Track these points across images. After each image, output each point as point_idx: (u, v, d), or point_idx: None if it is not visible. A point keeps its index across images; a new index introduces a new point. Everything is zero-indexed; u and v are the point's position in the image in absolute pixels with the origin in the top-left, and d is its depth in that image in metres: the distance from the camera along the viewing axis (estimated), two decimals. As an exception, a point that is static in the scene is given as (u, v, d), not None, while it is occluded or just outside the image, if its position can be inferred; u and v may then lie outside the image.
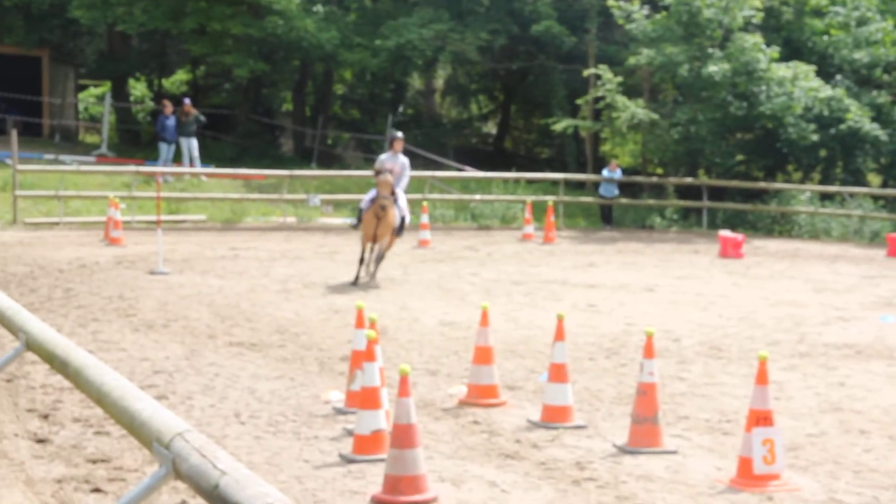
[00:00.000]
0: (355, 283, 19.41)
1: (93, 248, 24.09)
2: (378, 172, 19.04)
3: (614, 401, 11.42)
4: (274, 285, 19.24)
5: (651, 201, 35.09)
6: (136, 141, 43.47)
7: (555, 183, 35.15)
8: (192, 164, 33.61)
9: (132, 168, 31.00)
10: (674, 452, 9.51)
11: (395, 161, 19.87)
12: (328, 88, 46.07)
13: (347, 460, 9.01)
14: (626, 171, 36.32)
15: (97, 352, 12.83)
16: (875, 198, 33.30)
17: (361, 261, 19.50)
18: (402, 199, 19.78)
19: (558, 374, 10.36)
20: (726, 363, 13.54)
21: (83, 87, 50.44)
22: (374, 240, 19.29)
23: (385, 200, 18.87)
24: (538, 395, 11.27)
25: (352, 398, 10.33)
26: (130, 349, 13.47)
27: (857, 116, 33.93)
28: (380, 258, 19.52)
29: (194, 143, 33.84)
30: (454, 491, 8.39)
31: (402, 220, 19.65)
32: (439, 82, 52.45)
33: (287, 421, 10.32)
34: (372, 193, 19.49)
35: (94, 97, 50.80)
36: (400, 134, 20.37)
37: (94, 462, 8.87)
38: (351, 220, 19.89)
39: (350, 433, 9.53)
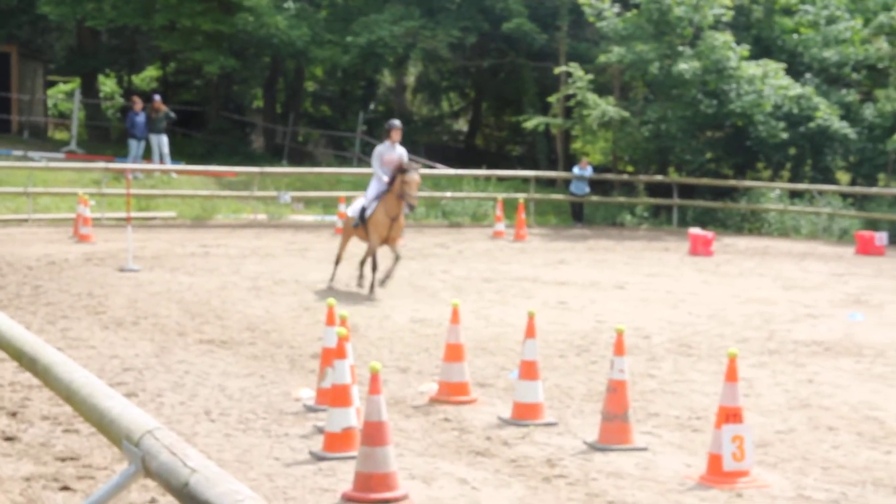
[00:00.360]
0: (372, 289, 17.96)
1: (62, 244, 23.97)
2: (404, 170, 17.54)
3: (585, 398, 11.44)
4: (244, 283, 19.19)
5: (622, 199, 35.17)
6: (105, 137, 43.28)
7: (526, 180, 35.18)
8: (162, 160, 33.49)
9: (102, 165, 30.87)
10: (644, 449, 9.53)
11: (393, 152, 18.18)
12: (299, 85, 45.98)
13: (318, 458, 9.00)
14: (596, 169, 36.40)
15: (66, 349, 12.77)
16: (844, 195, 33.49)
17: (367, 263, 18.32)
18: None
19: (529, 371, 10.37)
20: (696, 360, 13.58)
21: (52, 84, 50.18)
22: (386, 243, 18.00)
23: (413, 200, 17.60)
24: (509, 392, 11.28)
25: (322, 395, 10.31)
26: (100, 346, 13.42)
27: (826, 114, 34.11)
28: (395, 263, 18.02)
29: (164, 139, 33.72)
30: (425, 488, 8.39)
31: None
32: (410, 79, 52.44)
33: (257, 418, 10.30)
34: (375, 190, 18.06)
35: (63, 93, 50.56)
36: (398, 122, 18.70)
37: (63, 460, 8.83)
38: (355, 220, 18.28)
39: (321, 431, 9.52)
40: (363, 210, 18.10)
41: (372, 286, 17.98)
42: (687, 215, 34.29)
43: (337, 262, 19.06)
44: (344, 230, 19.47)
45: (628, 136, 35.10)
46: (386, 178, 17.91)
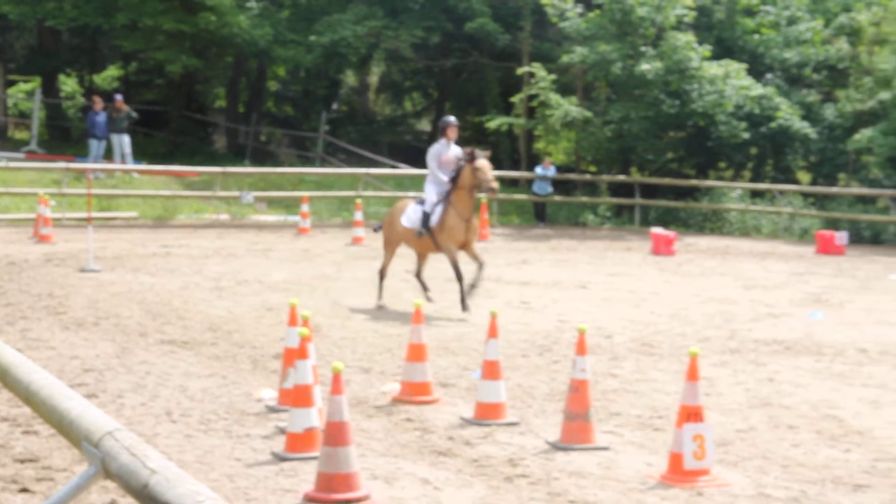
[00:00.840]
0: (463, 302, 16.41)
1: (22, 245, 23.81)
2: (472, 157, 16.31)
3: (547, 397, 11.46)
4: (206, 283, 19.11)
5: (584, 199, 35.27)
6: (66, 137, 43.02)
7: (489, 180, 35.14)
8: (123, 160, 33.33)
9: (62, 164, 30.69)
10: (605, 448, 9.56)
11: (449, 151, 16.86)
12: (262, 85, 45.85)
13: (280, 458, 8.98)
14: (559, 169, 36.49)
15: (26, 350, 12.69)
16: (804, 195, 33.71)
17: (460, 278, 16.43)
18: None
19: (491, 371, 10.38)
20: (658, 360, 13.63)
21: (12, 83, 49.79)
22: (462, 248, 16.60)
23: (493, 183, 16.18)
24: (471, 392, 11.29)
25: (284, 396, 10.29)
26: (60, 347, 13.34)
27: (787, 115, 34.33)
28: (480, 271, 16.51)
29: (126, 139, 33.55)
30: (387, 488, 8.38)
31: None
32: (373, 79, 52.38)
33: (219, 419, 10.26)
34: (437, 192, 16.64)
35: (23, 93, 50.16)
36: (453, 119, 17.34)
37: (22, 462, 8.77)
38: (418, 229, 16.77)
39: (282, 431, 9.50)
40: (426, 216, 16.71)
41: (463, 299, 16.44)
42: (649, 215, 34.43)
43: (382, 276, 17.46)
44: (387, 240, 17.66)
45: (591, 136, 35.19)
46: (446, 178, 16.66)
